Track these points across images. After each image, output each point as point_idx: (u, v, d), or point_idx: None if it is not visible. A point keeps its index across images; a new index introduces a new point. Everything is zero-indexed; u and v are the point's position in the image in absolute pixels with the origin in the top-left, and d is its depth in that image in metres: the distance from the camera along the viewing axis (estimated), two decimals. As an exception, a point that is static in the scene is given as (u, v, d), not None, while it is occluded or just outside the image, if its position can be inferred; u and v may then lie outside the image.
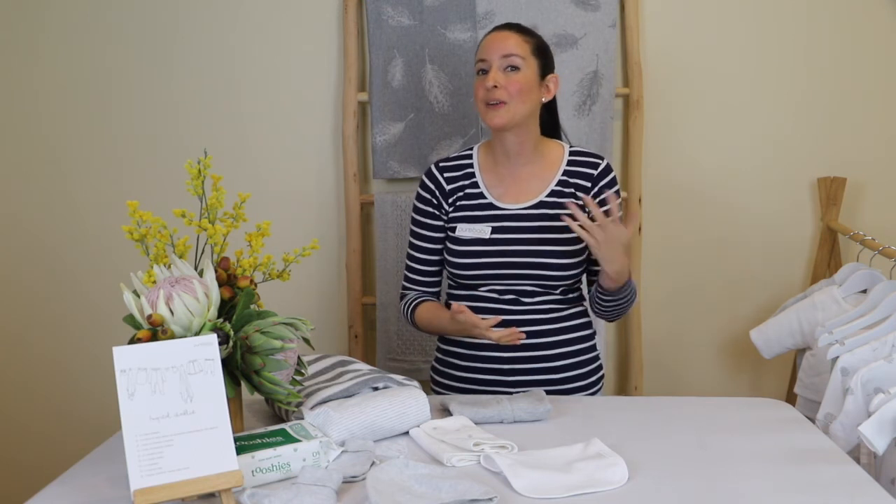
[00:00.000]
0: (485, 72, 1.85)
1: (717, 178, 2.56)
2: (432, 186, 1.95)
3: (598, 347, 1.99)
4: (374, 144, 2.51)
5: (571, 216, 1.75)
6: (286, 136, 2.58)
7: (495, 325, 1.76)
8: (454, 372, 1.95)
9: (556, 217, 1.86)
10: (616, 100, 2.51)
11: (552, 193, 1.89)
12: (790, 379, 2.51)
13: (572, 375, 1.91)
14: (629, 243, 1.77)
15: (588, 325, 1.96)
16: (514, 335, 1.73)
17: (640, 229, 2.52)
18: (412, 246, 1.99)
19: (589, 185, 1.89)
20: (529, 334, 1.85)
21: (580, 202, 1.79)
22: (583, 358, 1.92)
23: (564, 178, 1.90)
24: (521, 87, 1.82)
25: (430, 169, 1.98)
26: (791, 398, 2.41)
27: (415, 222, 1.98)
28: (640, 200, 2.51)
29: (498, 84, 1.81)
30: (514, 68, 1.83)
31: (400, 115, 2.49)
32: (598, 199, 1.87)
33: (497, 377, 1.89)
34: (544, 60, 1.89)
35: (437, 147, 2.49)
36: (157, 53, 2.57)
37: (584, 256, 1.89)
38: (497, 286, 1.88)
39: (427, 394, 1.61)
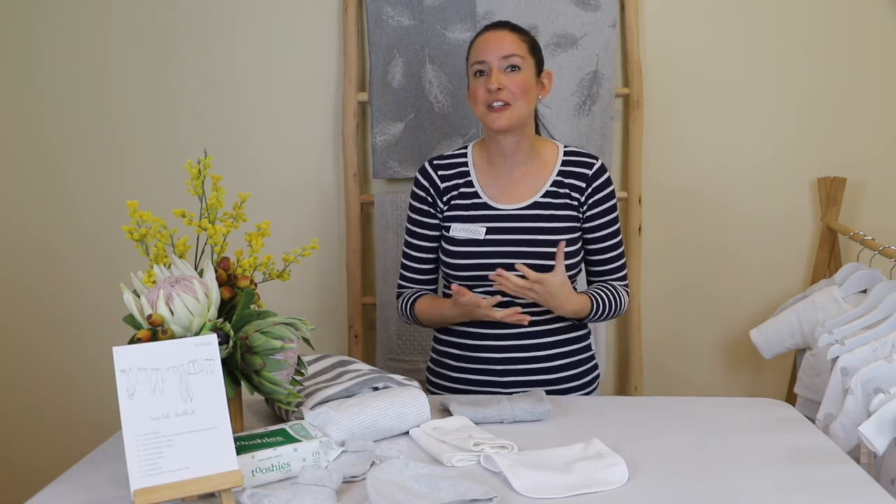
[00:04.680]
0: (482, 73, 1.83)
1: (717, 178, 2.56)
2: (426, 184, 1.95)
3: (592, 347, 1.99)
4: (374, 144, 2.51)
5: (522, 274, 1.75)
6: (286, 136, 2.58)
7: (498, 305, 1.79)
8: (448, 372, 1.95)
9: (551, 217, 1.87)
10: (616, 100, 2.51)
11: (547, 194, 1.88)
12: (790, 379, 2.51)
13: (567, 375, 1.91)
14: (566, 288, 1.77)
15: (583, 325, 1.95)
16: (518, 316, 1.75)
17: (639, 229, 2.52)
18: (408, 244, 1.99)
19: (584, 185, 1.89)
20: (524, 335, 1.86)
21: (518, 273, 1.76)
22: (578, 358, 1.92)
23: (559, 178, 1.89)
24: (524, 87, 1.81)
25: (424, 166, 1.97)
26: (791, 398, 2.41)
27: (410, 220, 1.98)
28: (640, 200, 2.51)
29: (501, 85, 1.79)
30: (515, 68, 1.81)
31: (400, 115, 2.49)
32: (590, 201, 1.88)
33: (491, 378, 1.89)
34: (538, 58, 1.89)
35: (437, 147, 2.49)
36: (157, 54, 2.56)
37: (579, 258, 1.90)
38: (492, 287, 1.88)
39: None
